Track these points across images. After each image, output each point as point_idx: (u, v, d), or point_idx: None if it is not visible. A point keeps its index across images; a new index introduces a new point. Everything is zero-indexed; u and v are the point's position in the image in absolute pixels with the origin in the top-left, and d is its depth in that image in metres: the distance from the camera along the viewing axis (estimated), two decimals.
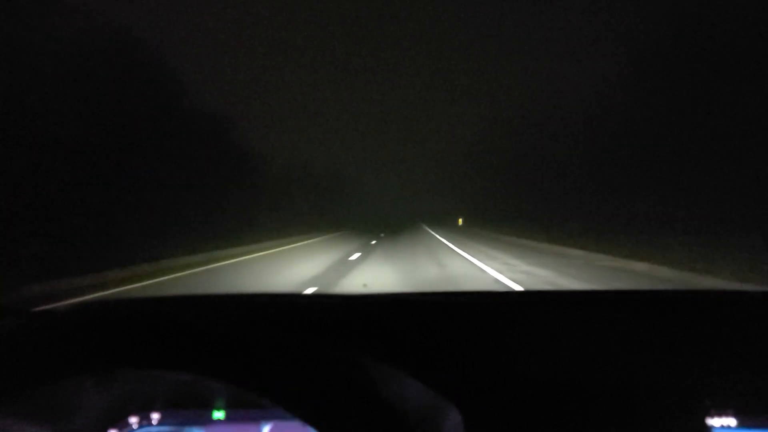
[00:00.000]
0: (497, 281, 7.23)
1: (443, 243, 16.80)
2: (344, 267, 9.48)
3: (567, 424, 0.66)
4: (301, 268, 9.84)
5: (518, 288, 6.52)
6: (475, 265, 9.55)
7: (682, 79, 19.38)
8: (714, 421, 0.73)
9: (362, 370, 0.65)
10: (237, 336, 0.66)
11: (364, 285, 7.05)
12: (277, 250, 15.31)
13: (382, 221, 76.82)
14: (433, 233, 26.02)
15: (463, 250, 13.23)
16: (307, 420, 0.58)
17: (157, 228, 17.27)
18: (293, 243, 18.85)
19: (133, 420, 0.83)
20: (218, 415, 0.85)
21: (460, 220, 44.61)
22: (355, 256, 11.95)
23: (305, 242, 19.45)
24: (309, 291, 6.92)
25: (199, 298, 1.08)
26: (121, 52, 18.70)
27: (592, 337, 0.81)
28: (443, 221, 59.36)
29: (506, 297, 1.25)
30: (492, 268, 8.89)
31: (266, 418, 0.85)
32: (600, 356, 0.77)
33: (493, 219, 35.13)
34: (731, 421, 0.73)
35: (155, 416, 0.84)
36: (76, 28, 16.43)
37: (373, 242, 18.00)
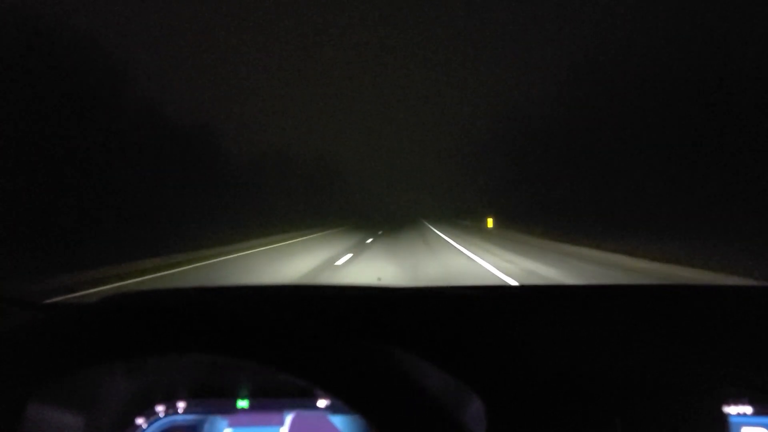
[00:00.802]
0: None
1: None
2: None
3: (586, 412, 0.68)
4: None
5: None
6: None
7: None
8: (730, 409, 0.75)
9: (390, 357, 0.66)
10: (270, 321, 0.68)
11: (379, 279, 7.04)
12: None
13: (381, 219, 68.89)
14: (456, 245, 15.25)
15: None
16: (343, 399, 0.60)
17: (138, 229, 17.73)
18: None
19: (160, 409, 0.86)
20: (242, 404, 0.87)
21: (490, 221, 31.24)
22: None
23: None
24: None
25: (224, 288, 1.15)
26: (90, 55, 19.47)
27: (610, 329, 0.83)
28: (462, 224, 42.30)
29: (527, 291, 1.28)
30: None
31: (289, 407, 0.86)
32: (618, 347, 0.79)
33: (534, 220, 26.73)
34: (747, 409, 0.76)
35: (181, 405, 0.87)
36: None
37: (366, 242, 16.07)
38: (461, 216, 59.26)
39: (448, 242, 16.91)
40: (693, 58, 19.14)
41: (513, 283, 8.09)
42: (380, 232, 24.05)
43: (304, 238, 21.82)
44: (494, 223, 31.34)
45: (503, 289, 1.24)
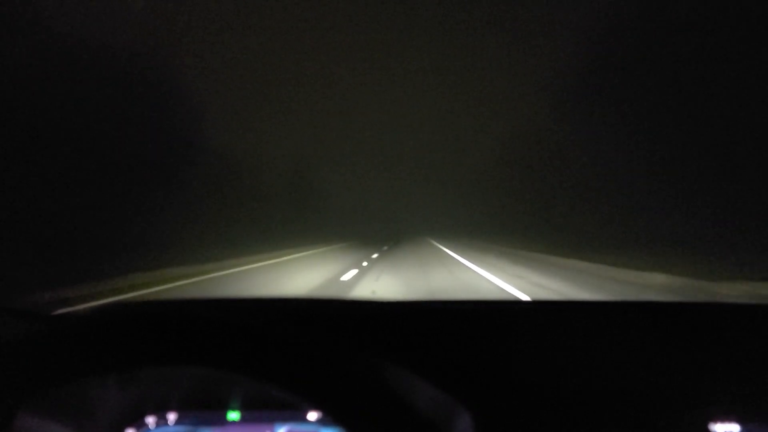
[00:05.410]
0: None
1: None
2: None
3: (574, 428, 0.69)
4: None
5: None
6: None
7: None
8: (717, 427, 0.74)
9: (380, 371, 0.68)
10: (262, 335, 0.68)
11: (373, 292, 7.31)
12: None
13: (377, 235, 61.96)
14: None
15: None
16: (330, 413, 0.60)
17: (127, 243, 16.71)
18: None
19: (150, 420, 0.86)
20: (233, 416, 0.87)
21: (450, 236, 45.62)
22: None
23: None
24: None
25: (217, 301, 1.11)
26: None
27: (599, 345, 0.86)
28: (443, 235, 55.35)
29: (517, 305, 1.30)
30: None
31: (280, 420, 0.86)
32: (607, 363, 0.81)
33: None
34: (734, 428, 0.74)
35: (171, 416, 0.86)
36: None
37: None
38: (445, 233, 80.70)
39: (429, 240, 38.76)
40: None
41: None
42: (375, 256, 17.61)
43: (294, 256, 18.94)
44: (455, 232, 62.67)
45: (494, 304, 1.26)
